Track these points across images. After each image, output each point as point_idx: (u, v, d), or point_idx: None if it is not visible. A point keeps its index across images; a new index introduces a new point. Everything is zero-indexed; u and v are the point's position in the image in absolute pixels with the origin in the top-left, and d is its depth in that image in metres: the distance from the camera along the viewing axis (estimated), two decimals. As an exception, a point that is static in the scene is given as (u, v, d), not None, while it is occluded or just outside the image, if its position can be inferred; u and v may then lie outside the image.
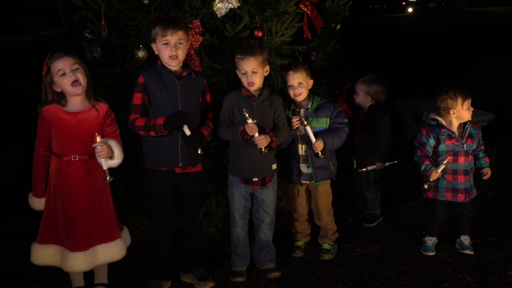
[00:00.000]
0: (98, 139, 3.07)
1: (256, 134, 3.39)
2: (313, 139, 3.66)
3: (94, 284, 3.50)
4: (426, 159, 3.75)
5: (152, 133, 3.26)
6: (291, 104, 3.80)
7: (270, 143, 3.45)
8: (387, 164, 4.35)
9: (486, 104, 6.12)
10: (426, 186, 3.76)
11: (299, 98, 3.74)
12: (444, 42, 14.66)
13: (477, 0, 32.87)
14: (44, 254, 3.25)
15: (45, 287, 3.61)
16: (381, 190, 4.52)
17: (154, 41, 3.32)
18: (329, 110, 3.78)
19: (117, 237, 3.36)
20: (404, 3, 41.66)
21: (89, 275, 3.51)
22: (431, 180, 3.72)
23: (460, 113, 3.72)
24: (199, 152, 3.27)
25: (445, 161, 3.63)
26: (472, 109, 3.75)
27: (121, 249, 3.36)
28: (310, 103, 3.78)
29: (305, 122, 3.63)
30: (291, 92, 3.73)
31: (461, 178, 3.76)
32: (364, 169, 4.30)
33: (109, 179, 3.17)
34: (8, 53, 13.71)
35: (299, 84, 3.69)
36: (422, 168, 3.75)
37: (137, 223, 4.19)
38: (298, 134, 3.78)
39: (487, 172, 3.81)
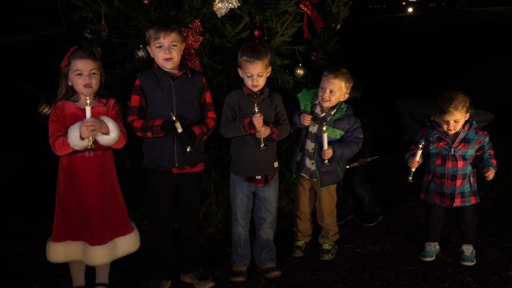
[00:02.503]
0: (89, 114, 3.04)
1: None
2: (325, 146, 3.65)
3: (95, 284, 3.50)
4: (413, 150, 3.74)
5: (149, 134, 3.27)
6: (315, 98, 3.78)
7: (270, 134, 3.46)
8: (369, 159, 4.39)
9: (486, 104, 6.12)
10: (410, 178, 3.67)
11: (325, 104, 3.72)
12: (444, 42, 14.65)
13: (477, 0, 32.85)
14: (59, 252, 3.25)
15: (45, 287, 3.61)
16: (381, 190, 4.53)
17: (148, 44, 3.33)
18: (347, 124, 3.75)
19: (132, 228, 3.41)
20: (404, 3, 41.66)
21: (89, 275, 3.51)
22: (412, 169, 3.67)
23: (440, 120, 3.67)
24: (188, 150, 3.26)
25: (420, 145, 3.59)
26: (453, 126, 3.60)
27: (137, 241, 3.42)
28: (335, 110, 3.74)
29: (324, 129, 3.62)
30: (320, 95, 3.71)
31: (448, 183, 3.71)
32: (347, 166, 4.29)
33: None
34: (8, 53, 13.70)
35: (331, 92, 3.66)
36: (406, 156, 3.75)
37: (137, 223, 4.17)
38: (310, 130, 3.76)
39: (488, 170, 3.61)
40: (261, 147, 3.44)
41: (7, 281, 3.66)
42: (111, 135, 3.12)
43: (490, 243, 4.02)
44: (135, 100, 3.32)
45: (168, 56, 3.25)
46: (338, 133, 3.76)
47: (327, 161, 3.68)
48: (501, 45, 12.87)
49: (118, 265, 3.73)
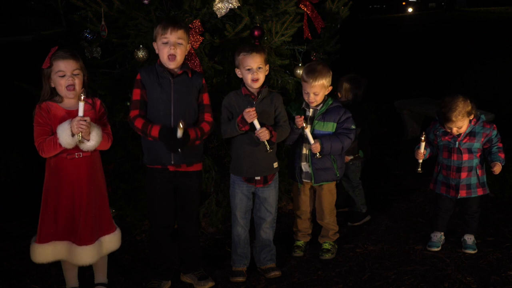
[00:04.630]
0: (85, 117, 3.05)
1: (258, 126, 3.39)
2: (311, 140, 3.66)
3: (94, 284, 3.50)
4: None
5: (150, 139, 3.29)
6: (302, 103, 3.81)
7: (270, 137, 3.45)
8: (351, 157, 4.31)
9: (486, 103, 6.12)
10: (420, 169, 3.78)
11: (313, 105, 3.75)
12: (444, 42, 14.64)
13: (477, 0, 32.82)
14: (46, 253, 3.23)
15: (45, 287, 3.61)
16: (381, 190, 4.52)
17: (155, 39, 3.34)
18: (337, 114, 3.76)
19: (116, 227, 3.42)
20: (404, 3, 41.62)
21: (89, 275, 3.51)
22: (419, 161, 3.77)
23: (444, 125, 3.76)
24: (178, 151, 3.26)
25: (422, 137, 3.70)
26: (457, 131, 3.71)
27: (120, 239, 3.43)
28: (321, 105, 3.77)
29: (304, 124, 3.62)
30: (306, 98, 3.74)
31: (453, 175, 3.81)
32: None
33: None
34: (8, 53, 13.70)
35: (315, 93, 3.69)
36: (414, 148, 3.83)
37: (137, 223, 4.19)
38: (303, 133, 3.77)
39: (494, 165, 3.68)
40: (267, 150, 3.44)
41: (7, 281, 3.66)
42: (91, 142, 3.13)
43: (490, 243, 4.02)
44: (136, 93, 3.33)
45: (172, 52, 3.25)
46: (330, 126, 3.75)
47: (318, 154, 3.67)
48: (501, 45, 12.86)
49: (118, 265, 3.74)
